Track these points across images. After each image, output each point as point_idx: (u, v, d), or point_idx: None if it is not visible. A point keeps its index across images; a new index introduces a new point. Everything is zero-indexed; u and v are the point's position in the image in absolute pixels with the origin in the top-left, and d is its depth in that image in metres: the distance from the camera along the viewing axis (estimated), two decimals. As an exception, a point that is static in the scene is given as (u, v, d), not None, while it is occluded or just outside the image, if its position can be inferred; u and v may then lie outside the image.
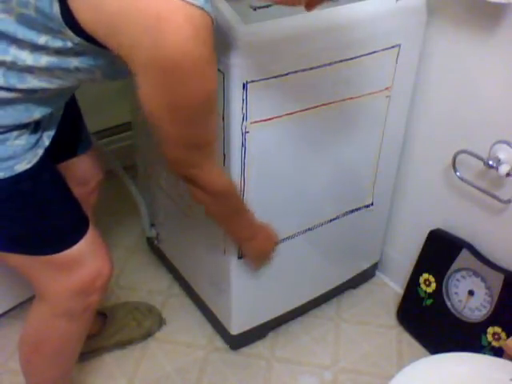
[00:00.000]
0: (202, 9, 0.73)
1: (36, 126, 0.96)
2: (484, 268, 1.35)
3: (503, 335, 1.33)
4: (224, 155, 1.15)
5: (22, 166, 0.92)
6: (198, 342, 1.54)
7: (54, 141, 1.01)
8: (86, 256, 1.03)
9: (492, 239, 1.36)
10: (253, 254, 1.27)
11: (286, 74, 1.09)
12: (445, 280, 1.44)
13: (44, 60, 0.82)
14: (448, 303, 1.45)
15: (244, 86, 1.05)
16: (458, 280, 1.42)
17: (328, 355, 1.52)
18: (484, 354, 1.33)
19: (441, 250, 1.45)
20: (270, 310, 1.50)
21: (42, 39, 0.79)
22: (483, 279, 1.36)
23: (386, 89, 1.29)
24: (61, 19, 0.75)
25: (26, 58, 0.81)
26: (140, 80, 0.78)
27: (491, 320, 1.35)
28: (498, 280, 1.32)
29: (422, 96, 1.40)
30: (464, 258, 1.39)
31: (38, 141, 0.96)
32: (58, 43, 0.79)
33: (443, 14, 1.27)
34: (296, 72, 1.10)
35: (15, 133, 0.91)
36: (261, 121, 1.12)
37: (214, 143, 0.94)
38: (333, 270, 1.57)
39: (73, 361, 1.24)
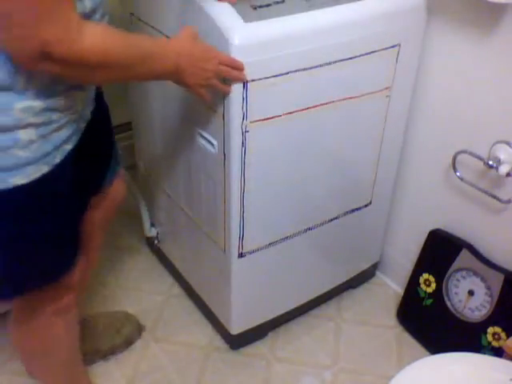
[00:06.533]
0: None
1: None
2: (484, 268, 1.35)
3: (503, 335, 1.33)
4: (224, 155, 1.15)
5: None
6: (198, 342, 1.54)
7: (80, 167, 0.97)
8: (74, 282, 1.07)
9: (492, 239, 1.36)
10: (195, 82, 0.99)
11: (286, 74, 1.09)
12: (445, 280, 1.44)
13: None
14: (448, 303, 1.45)
15: (244, 85, 1.05)
16: (458, 280, 1.42)
17: (328, 355, 1.51)
18: (484, 353, 1.33)
19: (441, 250, 1.45)
20: (269, 309, 1.50)
21: None
22: (483, 279, 1.36)
23: (386, 88, 1.29)
24: None
25: None
26: None
27: (491, 320, 1.35)
28: (497, 280, 1.32)
29: (421, 96, 1.40)
30: (464, 258, 1.39)
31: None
32: None
33: (443, 13, 1.27)
34: (296, 71, 1.10)
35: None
36: (261, 120, 1.12)
37: None
38: (333, 269, 1.57)
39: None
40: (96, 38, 0.78)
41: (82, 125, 0.97)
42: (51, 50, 0.74)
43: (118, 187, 1.25)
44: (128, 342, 1.51)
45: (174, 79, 0.98)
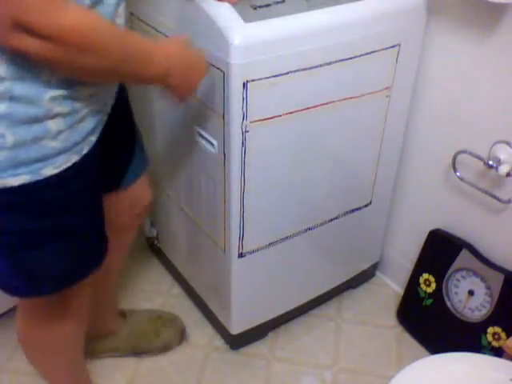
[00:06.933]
0: None
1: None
2: (484, 268, 1.35)
3: (503, 335, 1.33)
4: (224, 155, 1.15)
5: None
6: (198, 341, 1.54)
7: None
8: None
9: (492, 239, 1.36)
10: (178, 89, 0.97)
11: (286, 73, 1.09)
12: (445, 280, 1.44)
13: None
14: (448, 303, 1.45)
15: (244, 85, 1.05)
16: (458, 280, 1.42)
17: (328, 355, 1.51)
18: (484, 354, 1.33)
19: (441, 250, 1.45)
20: (270, 309, 1.50)
21: None
22: (483, 279, 1.36)
23: (386, 88, 1.29)
24: None
25: None
26: None
27: (491, 320, 1.35)
28: (497, 280, 1.32)
29: (421, 96, 1.40)
30: (464, 257, 1.39)
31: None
32: None
33: (443, 13, 1.27)
34: (296, 71, 1.10)
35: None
36: (261, 120, 1.12)
37: None
38: (333, 269, 1.57)
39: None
40: (79, 19, 0.73)
41: (104, 117, 0.97)
42: (30, 19, 0.69)
43: (139, 189, 1.22)
44: (166, 348, 1.49)
45: (162, 83, 0.94)
